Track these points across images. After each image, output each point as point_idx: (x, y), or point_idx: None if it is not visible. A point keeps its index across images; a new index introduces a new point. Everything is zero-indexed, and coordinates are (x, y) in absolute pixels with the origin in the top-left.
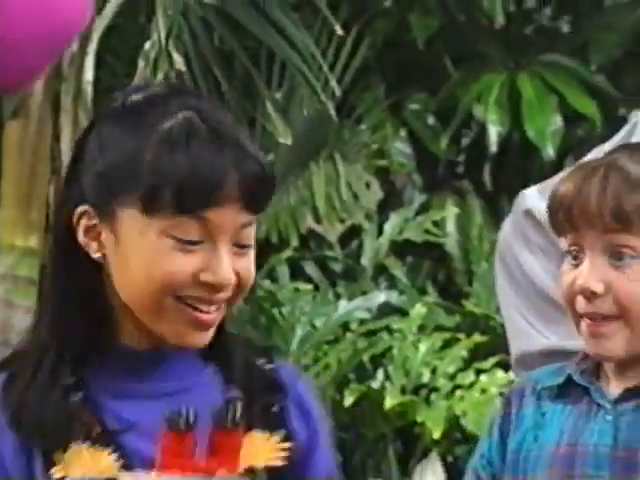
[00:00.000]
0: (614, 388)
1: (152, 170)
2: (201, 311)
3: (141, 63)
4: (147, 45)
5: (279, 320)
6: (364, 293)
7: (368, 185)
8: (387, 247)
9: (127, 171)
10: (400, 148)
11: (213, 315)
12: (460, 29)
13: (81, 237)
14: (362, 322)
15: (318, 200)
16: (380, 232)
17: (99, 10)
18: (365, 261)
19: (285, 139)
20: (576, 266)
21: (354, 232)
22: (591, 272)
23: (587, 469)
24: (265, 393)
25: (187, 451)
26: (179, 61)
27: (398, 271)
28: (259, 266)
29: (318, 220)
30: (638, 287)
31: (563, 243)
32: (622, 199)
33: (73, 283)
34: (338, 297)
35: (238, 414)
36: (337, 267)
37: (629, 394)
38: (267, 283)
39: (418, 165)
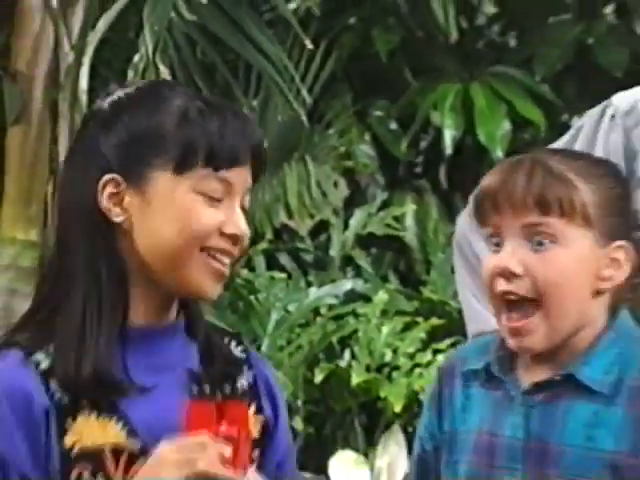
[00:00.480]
0: (529, 378)
1: (185, 131)
2: (221, 262)
3: (131, 74)
4: (136, 58)
5: (256, 305)
6: (332, 281)
7: (336, 184)
8: (353, 240)
9: (159, 135)
10: (365, 150)
11: (227, 268)
12: (418, 44)
13: (104, 204)
14: (331, 307)
15: (290, 197)
16: (346, 226)
17: (93, 25)
18: (333, 252)
19: None
20: (498, 252)
21: (323, 226)
22: (511, 255)
23: (503, 461)
24: (239, 370)
25: (212, 419)
26: (165, 72)
27: (363, 261)
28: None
29: (290, 215)
30: (554, 271)
31: (485, 232)
32: (545, 189)
33: (99, 251)
34: (309, 285)
35: (242, 385)
36: (308, 258)
37: (539, 387)
38: (245, 272)
39: (380, 166)
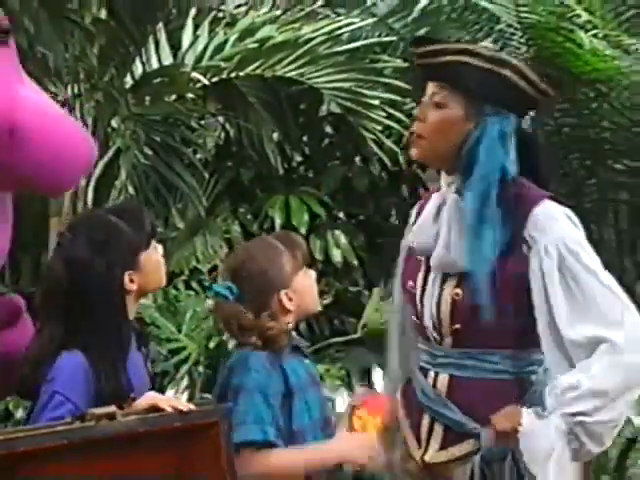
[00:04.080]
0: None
1: (137, 239)
2: None
3: (114, 193)
4: (117, 183)
5: (180, 308)
6: None
7: (221, 246)
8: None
9: (135, 246)
10: (235, 229)
11: None
12: (264, 176)
13: (127, 283)
14: None
15: (198, 253)
16: None
17: (94, 167)
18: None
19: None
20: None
21: (215, 268)
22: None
23: (309, 387)
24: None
25: None
26: (131, 191)
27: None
28: (170, 282)
29: (198, 262)
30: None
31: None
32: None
33: (119, 301)
34: (207, 297)
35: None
36: (206, 283)
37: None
38: (173, 291)
39: (243, 237)
